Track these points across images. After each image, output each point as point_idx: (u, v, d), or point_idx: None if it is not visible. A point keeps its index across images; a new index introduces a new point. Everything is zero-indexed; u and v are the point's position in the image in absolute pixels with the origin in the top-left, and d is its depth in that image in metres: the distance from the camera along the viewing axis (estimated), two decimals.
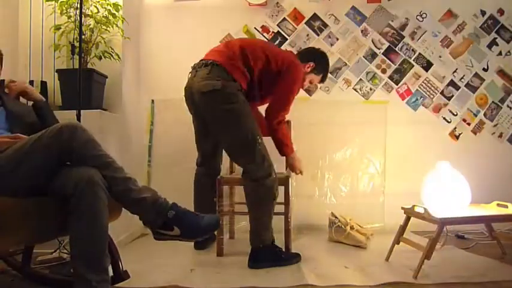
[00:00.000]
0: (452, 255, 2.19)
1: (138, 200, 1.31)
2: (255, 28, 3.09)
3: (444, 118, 3.10)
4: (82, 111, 1.94)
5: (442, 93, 3.10)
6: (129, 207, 1.34)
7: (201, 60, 2.14)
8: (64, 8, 2.27)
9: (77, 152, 1.26)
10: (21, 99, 1.73)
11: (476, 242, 2.50)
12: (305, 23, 3.10)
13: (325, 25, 3.10)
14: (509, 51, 3.12)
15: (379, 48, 3.10)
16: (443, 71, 3.10)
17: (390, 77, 3.09)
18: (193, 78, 2.11)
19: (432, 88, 3.10)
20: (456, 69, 3.10)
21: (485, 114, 3.11)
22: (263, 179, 1.98)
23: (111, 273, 1.38)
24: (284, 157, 2.36)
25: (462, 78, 3.10)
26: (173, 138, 2.92)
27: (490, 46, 3.12)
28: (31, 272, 1.79)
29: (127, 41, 2.57)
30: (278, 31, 3.09)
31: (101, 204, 1.21)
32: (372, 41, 3.10)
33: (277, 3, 3.10)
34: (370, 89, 3.09)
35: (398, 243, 2.01)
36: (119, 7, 2.42)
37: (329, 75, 3.05)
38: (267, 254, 1.97)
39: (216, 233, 2.01)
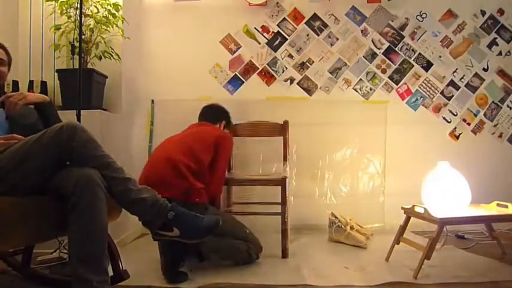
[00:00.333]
0: (452, 255, 2.19)
1: (137, 200, 1.31)
2: (255, 28, 3.09)
3: (444, 118, 3.10)
4: (82, 111, 1.94)
5: (442, 93, 3.10)
6: (128, 207, 1.34)
7: None
8: (64, 8, 2.27)
9: (77, 152, 1.26)
10: None
11: (476, 242, 2.50)
12: (305, 23, 3.10)
13: (325, 25, 3.10)
14: (509, 51, 3.12)
15: (379, 48, 3.10)
16: (443, 71, 3.10)
17: (390, 77, 3.09)
18: None
19: (432, 88, 3.10)
20: (456, 69, 3.10)
21: (485, 114, 3.11)
22: None
23: (110, 273, 1.38)
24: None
25: (462, 78, 3.10)
26: None
27: (490, 46, 3.12)
28: (31, 272, 1.79)
29: (127, 41, 2.57)
30: (278, 31, 3.09)
31: (100, 204, 1.21)
32: (372, 41, 3.10)
33: (277, 3, 3.10)
34: (370, 89, 3.09)
35: (398, 243, 2.01)
36: (119, 7, 2.42)
37: (329, 75, 3.08)
38: None
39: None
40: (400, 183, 2.87)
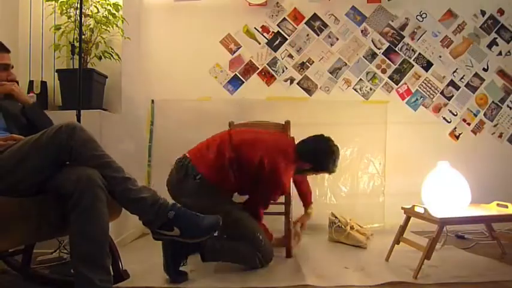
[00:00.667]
0: (452, 255, 2.19)
1: (137, 199, 1.31)
2: (255, 28, 3.09)
3: (444, 118, 3.10)
4: (82, 111, 1.94)
5: (442, 93, 3.10)
6: (128, 207, 1.34)
7: None
8: (64, 8, 2.27)
9: (76, 152, 1.26)
10: None
11: (476, 242, 2.50)
12: (305, 23, 3.10)
13: (325, 25, 3.10)
14: (509, 51, 3.13)
15: (379, 48, 3.10)
16: (443, 71, 3.10)
17: (390, 77, 3.09)
18: None
19: (432, 88, 3.10)
20: (456, 69, 3.10)
21: (485, 114, 3.11)
22: None
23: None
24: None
25: (462, 78, 3.10)
26: (173, 138, 2.92)
27: (490, 46, 3.12)
28: (31, 272, 1.79)
29: (127, 41, 2.56)
30: (278, 31, 3.09)
31: (100, 204, 1.21)
32: (372, 41, 3.10)
33: (277, 3, 3.10)
34: (370, 89, 3.09)
35: (398, 243, 2.00)
36: (119, 7, 2.41)
37: (329, 75, 3.07)
38: None
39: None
40: (400, 183, 2.87)
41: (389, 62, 3.10)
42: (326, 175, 2.95)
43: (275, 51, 3.08)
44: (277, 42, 3.09)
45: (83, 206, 1.18)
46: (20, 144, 1.27)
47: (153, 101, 3.03)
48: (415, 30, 3.11)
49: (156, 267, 1.85)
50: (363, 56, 3.09)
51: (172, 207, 1.37)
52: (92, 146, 1.30)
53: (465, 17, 3.12)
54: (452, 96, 3.10)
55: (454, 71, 3.11)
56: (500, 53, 3.12)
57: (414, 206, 1.93)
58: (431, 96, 3.10)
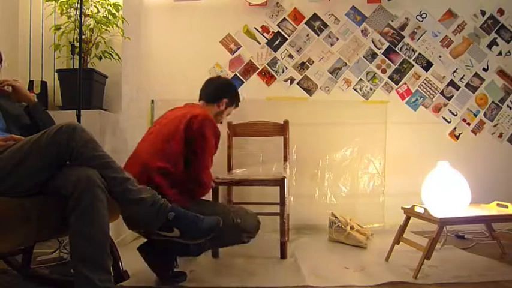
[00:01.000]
0: (452, 255, 2.19)
1: (136, 200, 1.31)
2: (255, 28, 3.09)
3: (444, 118, 3.10)
4: (82, 111, 1.94)
5: (442, 93, 3.10)
6: (128, 207, 1.34)
7: None
8: (64, 8, 2.27)
9: (76, 152, 1.26)
10: None
11: (476, 242, 2.50)
12: (305, 23, 3.10)
13: (325, 25, 3.10)
14: (509, 51, 3.12)
15: (379, 48, 3.10)
16: (443, 71, 3.10)
17: (390, 77, 3.09)
18: None
19: (432, 88, 3.10)
20: (456, 69, 3.10)
21: (485, 114, 3.11)
22: None
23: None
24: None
25: (462, 78, 3.10)
26: None
27: (490, 46, 3.12)
28: (31, 272, 1.79)
29: (127, 41, 2.56)
30: (278, 31, 3.09)
31: (100, 204, 1.21)
32: (372, 41, 3.10)
33: (277, 3, 3.10)
34: (370, 89, 3.09)
35: (398, 243, 2.00)
36: (119, 7, 2.41)
37: (329, 75, 3.07)
38: None
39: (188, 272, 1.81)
40: (400, 183, 2.87)
41: (389, 62, 3.10)
42: (326, 175, 2.98)
43: (275, 51, 3.08)
44: (277, 42, 3.09)
45: (82, 207, 1.18)
46: (20, 145, 1.27)
47: (153, 101, 3.03)
48: (415, 30, 3.11)
49: None
50: (363, 56, 3.09)
51: (172, 209, 1.37)
52: (92, 146, 1.30)
53: (465, 17, 3.12)
54: (452, 96, 3.10)
55: (454, 71, 3.10)
56: (500, 53, 3.12)
57: (414, 206, 1.93)
58: (431, 96, 3.09)
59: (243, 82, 3.06)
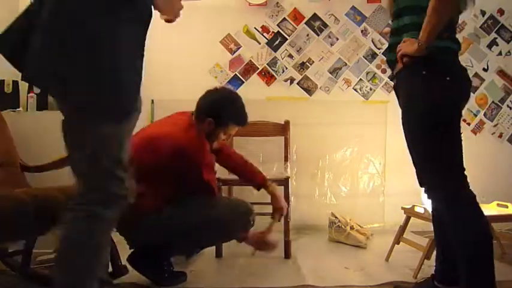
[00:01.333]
0: None
1: None
2: (255, 28, 3.09)
3: None
4: None
5: None
6: None
7: None
8: None
9: None
10: None
11: None
12: (305, 23, 3.10)
13: (325, 25, 3.10)
14: (509, 51, 3.12)
15: (379, 48, 3.10)
16: None
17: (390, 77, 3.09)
18: None
19: None
20: None
21: (485, 114, 3.11)
22: None
23: (110, 268, 1.38)
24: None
25: None
26: None
27: (490, 46, 3.12)
28: (31, 272, 1.79)
29: None
30: (278, 31, 3.09)
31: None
32: (372, 41, 3.10)
33: (277, 3, 3.10)
34: (370, 89, 3.09)
35: (398, 243, 2.01)
36: None
37: (329, 75, 3.07)
38: None
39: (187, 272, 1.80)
40: (400, 183, 2.87)
41: None
42: (326, 175, 2.98)
43: (275, 51, 3.08)
44: (277, 42, 3.09)
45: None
46: None
47: (153, 101, 3.03)
48: None
49: None
50: (363, 56, 3.09)
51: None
52: None
53: (465, 17, 3.12)
54: None
55: None
56: (500, 53, 3.12)
57: (414, 206, 1.93)
58: None
59: (243, 82, 3.06)
